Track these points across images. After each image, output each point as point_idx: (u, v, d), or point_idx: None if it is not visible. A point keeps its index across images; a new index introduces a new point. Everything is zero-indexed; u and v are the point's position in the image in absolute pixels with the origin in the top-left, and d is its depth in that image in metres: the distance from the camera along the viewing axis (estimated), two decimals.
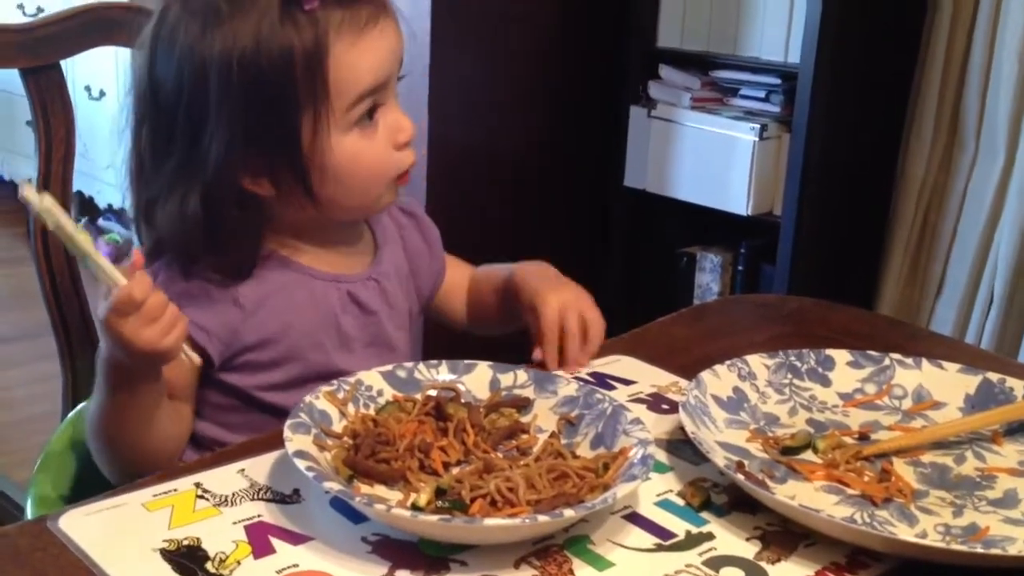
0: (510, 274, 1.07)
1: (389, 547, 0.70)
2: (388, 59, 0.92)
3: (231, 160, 0.88)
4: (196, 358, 0.85)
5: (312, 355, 0.95)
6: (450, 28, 2.15)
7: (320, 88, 0.88)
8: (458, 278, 1.13)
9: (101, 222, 3.53)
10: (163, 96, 0.90)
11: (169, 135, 0.90)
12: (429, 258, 1.09)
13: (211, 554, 0.68)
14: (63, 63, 1.11)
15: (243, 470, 0.79)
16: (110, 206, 3.45)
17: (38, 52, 1.08)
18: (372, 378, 0.86)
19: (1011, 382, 0.93)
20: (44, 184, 1.11)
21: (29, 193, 0.74)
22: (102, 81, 3.24)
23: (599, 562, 0.70)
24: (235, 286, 0.93)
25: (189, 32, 0.88)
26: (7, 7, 3.54)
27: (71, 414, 1.10)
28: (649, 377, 0.98)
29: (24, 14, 3.47)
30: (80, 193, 3.46)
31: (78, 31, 1.10)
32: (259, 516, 0.73)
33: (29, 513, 1.00)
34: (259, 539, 0.70)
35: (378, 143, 0.93)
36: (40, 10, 3.42)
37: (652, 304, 2.17)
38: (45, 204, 0.74)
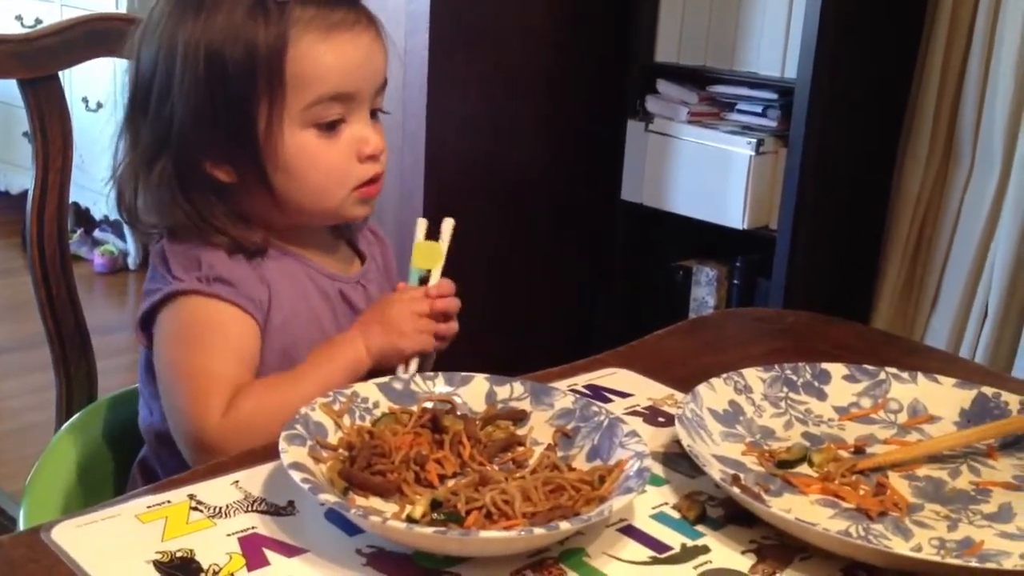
0: None
1: (384, 560, 0.70)
2: (359, 70, 0.94)
3: (193, 138, 0.91)
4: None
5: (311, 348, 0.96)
6: (448, 42, 2.15)
7: (276, 79, 0.90)
8: None
9: (97, 234, 3.53)
10: (140, 77, 0.94)
11: (144, 113, 0.94)
12: (385, 282, 1.10)
13: (204, 566, 0.68)
14: (61, 74, 1.11)
15: (237, 482, 0.78)
16: (106, 218, 3.45)
17: (37, 63, 1.08)
18: (368, 390, 0.86)
19: (1006, 396, 0.93)
20: (41, 195, 1.11)
21: None
22: (100, 93, 3.25)
23: (594, 575, 0.70)
24: (261, 265, 0.95)
25: (170, 20, 0.92)
26: (5, 19, 3.54)
27: (65, 425, 1.10)
28: (645, 390, 0.98)
29: (22, 25, 3.47)
30: (76, 204, 3.46)
31: (77, 42, 1.10)
32: (253, 528, 0.73)
33: (22, 525, 0.99)
34: (253, 551, 0.70)
35: (338, 151, 0.94)
36: (39, 21, 3.42)
37: (648, 317, 2.17)
38: None
